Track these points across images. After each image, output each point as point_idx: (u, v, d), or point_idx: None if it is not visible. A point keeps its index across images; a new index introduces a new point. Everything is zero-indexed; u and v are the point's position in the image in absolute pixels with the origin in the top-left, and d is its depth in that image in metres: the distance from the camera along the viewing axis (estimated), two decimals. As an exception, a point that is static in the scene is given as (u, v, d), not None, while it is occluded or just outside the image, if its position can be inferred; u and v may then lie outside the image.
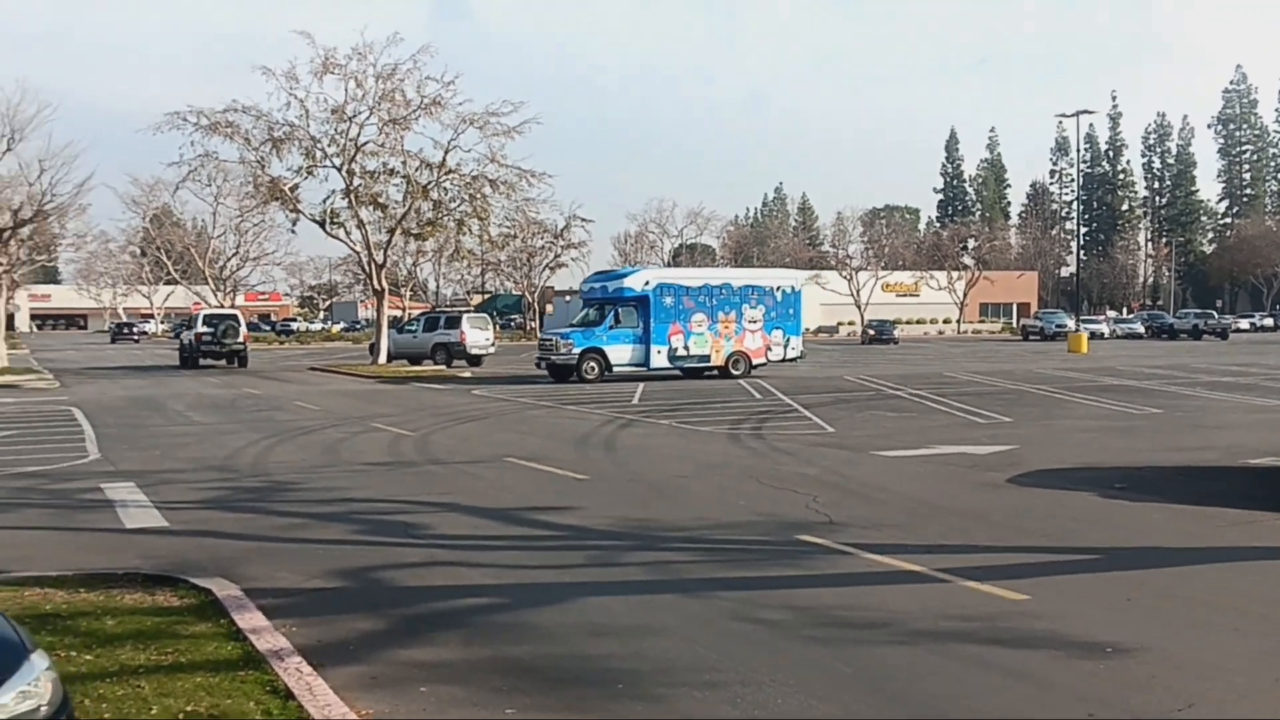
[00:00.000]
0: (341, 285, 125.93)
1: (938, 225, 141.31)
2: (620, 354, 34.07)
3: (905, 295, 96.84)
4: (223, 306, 79.57)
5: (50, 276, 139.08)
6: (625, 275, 36.57)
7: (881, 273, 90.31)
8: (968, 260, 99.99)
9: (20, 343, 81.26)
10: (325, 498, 13.01)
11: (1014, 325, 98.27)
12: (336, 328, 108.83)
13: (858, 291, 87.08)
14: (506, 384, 33.77)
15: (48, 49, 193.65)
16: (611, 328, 34.23)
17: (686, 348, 34.62)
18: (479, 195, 41.36)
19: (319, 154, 42.06)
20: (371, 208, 43.41)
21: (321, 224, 43.33)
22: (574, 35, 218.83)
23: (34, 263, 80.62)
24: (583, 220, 77.72)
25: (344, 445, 18.55)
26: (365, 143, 41.91)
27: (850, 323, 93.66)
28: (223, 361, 46.39)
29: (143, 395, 31.09)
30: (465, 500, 12.59)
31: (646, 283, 34.77)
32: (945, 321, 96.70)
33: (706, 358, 35.00)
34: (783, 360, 36.40)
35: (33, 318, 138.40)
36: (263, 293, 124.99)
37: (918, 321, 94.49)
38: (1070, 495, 12.63)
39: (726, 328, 35.03)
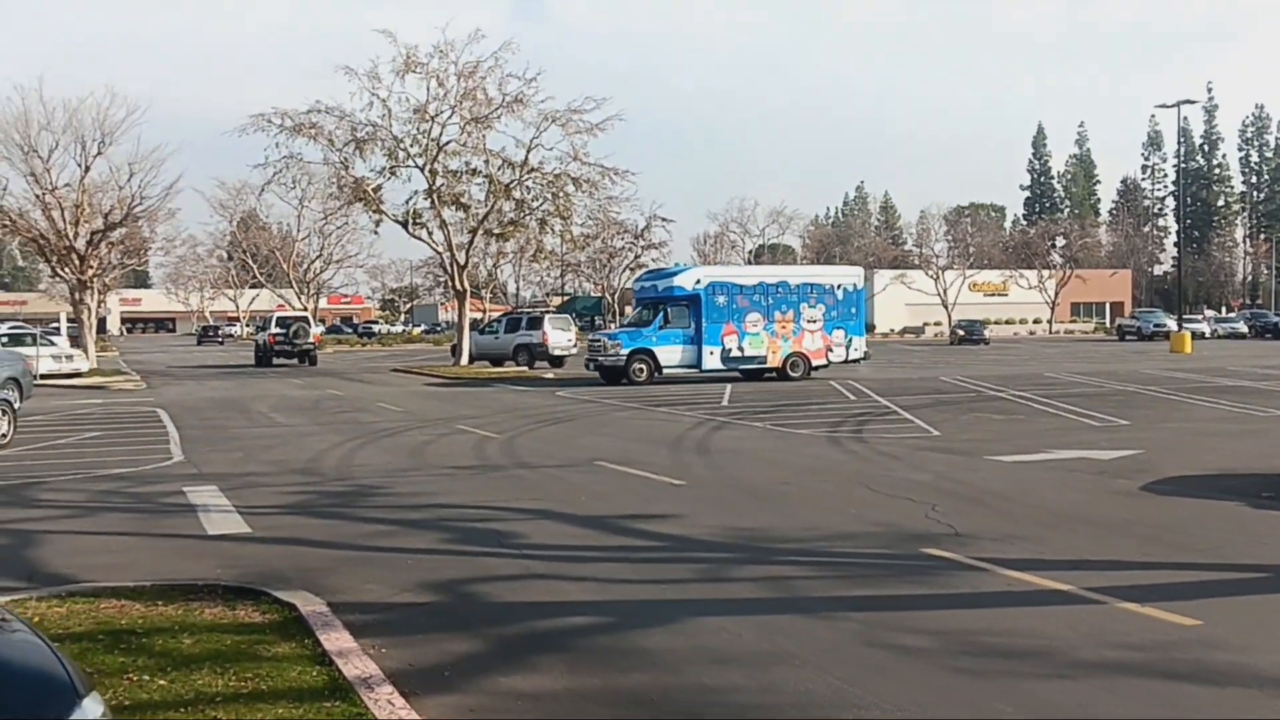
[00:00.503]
0: (422, 288, 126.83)
1: (1024, 223, 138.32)
2: (670, 355, 33.12)
3: (993, 295, 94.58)
4: (304, 309, 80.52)
5: (140, 281, 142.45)
6: (675, 274, 35.46)
7: (969, 272, 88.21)
8: (1057, 258, 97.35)
9: (110, 345, 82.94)
10: (412, 503, 12.44)
11: (1107, 325, 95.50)
12: (417, 330, 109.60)
13: (944, 291, 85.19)
14: (589, 385, 33.15)
15: (134, 55, 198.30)
16: (661, 328, 33.36)
17: (741, 348, 33.48)
18: (561, 193, 40.85)
19: (401, 154, 41.93)
20: (454, 208, 43.19)
21: (404, 225, 43.19)
22: (651, 35, 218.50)
23: (124, 267, 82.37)
24: (663, 220, 77.11)
25: (429, 448, 18.04)
26: (447, 142, 41.72)
27: (936, 323, 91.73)
28: (294, 360, 48.84)
29: (227, 397, 31.07)
30: (558, 507, 11.92)
31: (698, 281, 33.78)
32: (1035, 321, 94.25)
33: (762, 359, 33.80)
34: (845, 362, 35.07)
35: (123, 321, 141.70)
36: (345, 295, 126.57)
37: (1006, 322, 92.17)
38: (1215, 505, 11.57)
39: (784, 328, 33.89)
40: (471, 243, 44.83)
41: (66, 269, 42.69)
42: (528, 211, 42.26)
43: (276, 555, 9.82)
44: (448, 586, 8.64)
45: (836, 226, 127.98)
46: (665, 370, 33.04)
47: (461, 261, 43.58)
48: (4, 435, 18.54)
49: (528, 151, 40.88)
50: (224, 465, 16.19)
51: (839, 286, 34.92)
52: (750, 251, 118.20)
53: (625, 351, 32.88)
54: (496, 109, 40.11)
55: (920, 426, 20.02)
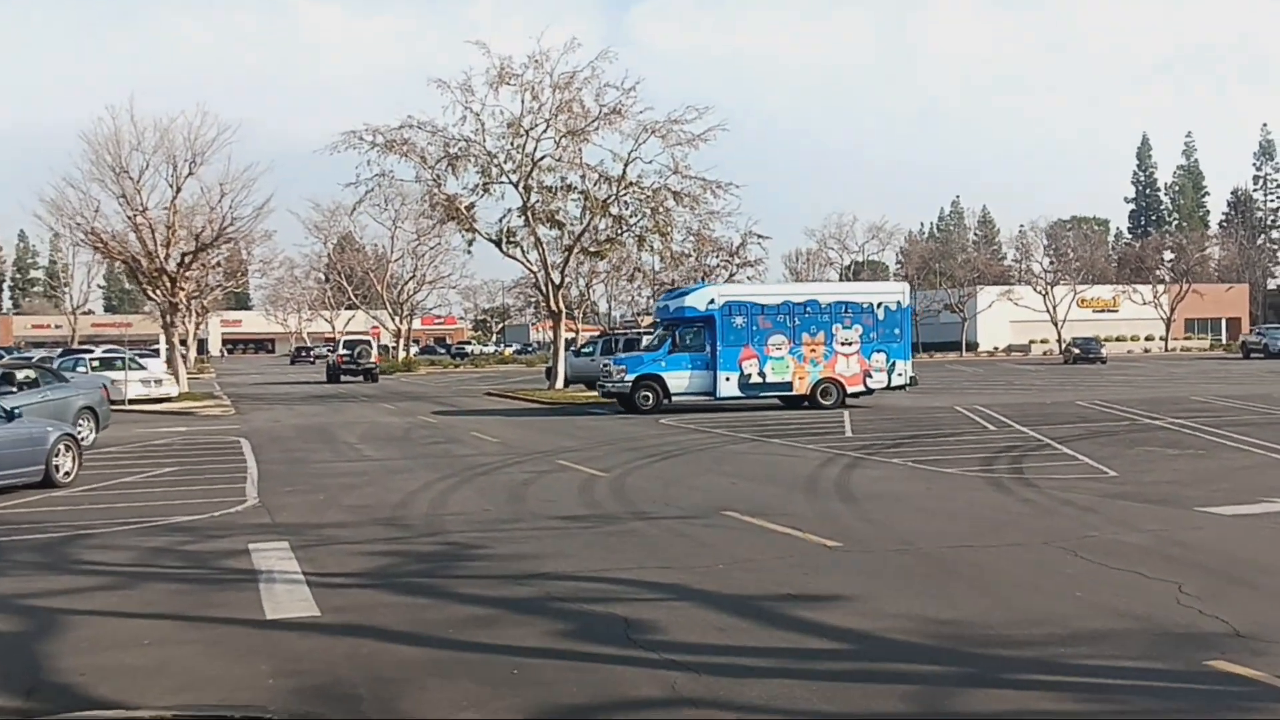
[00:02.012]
0: (514, 308, 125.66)
1: (1129, 236, 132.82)
2: (680, 381, 30.88)
3: (1103, 311, 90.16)
4: (397, 330, 79.50)
5: (241, 303, 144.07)
6: (688, 294, 32.99)
7: (1080, 287, 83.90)
8: (1164, 274, 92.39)
9: (209, 367, 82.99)
10: (514, 571, 10.13)
11: (1224, 342, 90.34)
12: (509, 350, 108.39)
13: (1054, 307, 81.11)
14: (693, 412, 30.75)
15: (224, 84, 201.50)
16: (671, 351, 31.18)
17: (762, 374, 30.77)
18: (661, 208, 38.56)
19: (495, 170, 40.09)
20: (548, 225, 41.22)
21: (498, 243, 41.34)
22: (741, 54, 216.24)
23: (224, 289, 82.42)
24: (759, 237, 74.22)
25: (531, 489, 15.79)
26: (542, 157, 39.74)
27: (1043, 340, 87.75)
28: (359, 377, 57.10)
29: (315, 424, 29.32)
30: (693, 580, 9.52)
31: (711, 301, 31.12)
32: (1147, 339, 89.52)
33: (788, 385, 31.01)
34: (886, 388, 31.70)
35: (224, 342, 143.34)
36: (438, 316, 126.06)
37: (1117, 339, 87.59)
38: None
39: (813, 351, 30.96)
40: (567, 261, 42.78)
41: (158, 291, 41.58)
42: (625, 228, 40.07)
43: (346, 653, 7.57)
44: (571, 717, 6.29)
45: (934, 241, 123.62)
46: (675, 397, 30.85)
47: (557, 281, 41.56)
48: (68, 474, 16.74)
49: (625, 165, 38.74)
50: (300, 512, 14.12)
51: (879, 305, 31.59)
52: (846, 267, 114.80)
53: (630, 378, 30.99)
54: (593, 121, 38.01)
55: (1088, 464, 17.22)
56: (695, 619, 8.30)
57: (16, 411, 16.01)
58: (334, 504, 14.86)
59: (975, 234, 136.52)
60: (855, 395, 31.48)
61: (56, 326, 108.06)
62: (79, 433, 21.59)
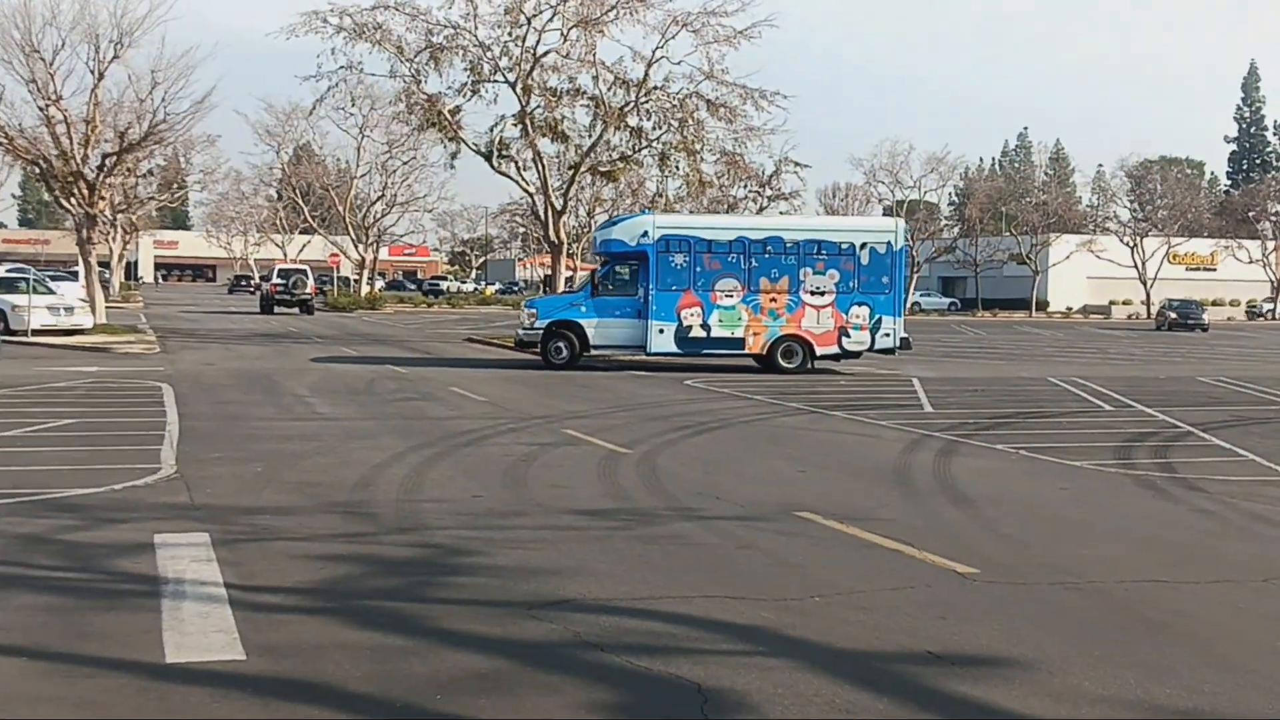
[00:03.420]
0: (497, 240, 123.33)
1: (1227, 183, 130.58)
2: (604, 331, 28.99)
3: (1198, 269, 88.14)
4: (361, 259, 77.45)
5: (179, 222, 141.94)
6: (617, 224, 30.87)
7: (1175, 240, 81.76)
8: (1270, 227, 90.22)
9: (136, 295, 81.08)
10: (524, 594, 8.27)
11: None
12: (491, 289, 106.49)
13: (1143, 263, 79.09)
14: (722, 371, 28.92)
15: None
16: (594, 294, 29.33)
17: (705, 326, 28.56)
18: (690, 120, 36.40)
19: (487, 67, 37.89)
20: (551, 137, 39.11)
21: (488, 157, 39.25)
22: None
23: (157, 202, 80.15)
24: (796, 165, 71.97)
25: (533, 469, 13.95)
26: (545, 53, 37.54)
27: (1125, 301, 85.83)
28: (294, 309, 61.58)
29: (257, 369, 27.48)
30: (780, 619, 7.68)
31: (644, 234, 28.81)
32: (1250, 303, 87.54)
33: (738, 341, 28.86)
34: (869, 350, 29.31)
35: (157, 267, 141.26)
36: (410, 246, 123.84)
37: (1214, 303, 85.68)
38: None
39: (773, 300, 28.61)
40: (573, 181, 40.76)
41: (73, 200, 39.53)
42: (644, 143, 37.93)
43: (279, 733, 5.74)
44: None
45: (1003, 177, 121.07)
46: (596, 349, 29.24)
47: (559, 206, 39.53)
48: (-70, 424, 14.90)
49: (648, 66, 36.49)
50: (230, 489, 12.28)
51: (863, 246, 28.80)
52: (895, 203, 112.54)
53: (541, 324, 29.24)
54: (611, 7, 35.76)
55: (1255, 462, 15.39)
56: (801, 690, 6.43)
57: None
58: (274, 479, 13.02)
59: (1046, 173, 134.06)
60: (826, 357, 29.33)
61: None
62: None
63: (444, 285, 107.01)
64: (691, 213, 44.86)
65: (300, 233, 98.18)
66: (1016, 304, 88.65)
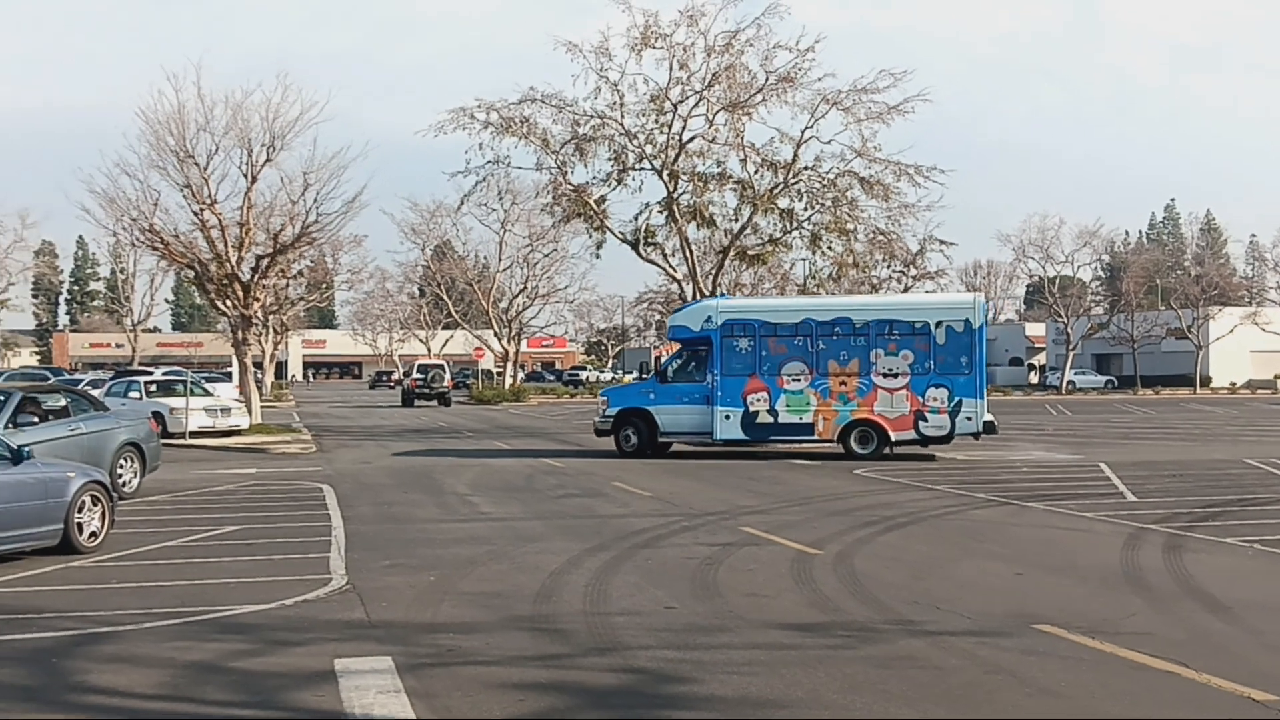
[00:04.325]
0: (633, 329, 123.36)
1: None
2: (672, 418, 28.62)
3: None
4: (504, 352, 77.73)
5: (326, 321, 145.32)
6: (684, 311, 30.16)
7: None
8: None
9: (287, 393, 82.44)
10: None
11: None
12: (628, 377, 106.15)
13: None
14: (896, 460, 27.51)
15: (312, 70, 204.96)
16: (663, 381, 29.25)
17: (773, 411, 27.71)
18: (844, 199, 35.40)
19: (632, 155, 37.49)
20: (698, 223, 38.44)
21: (634, 245, 38.74)
22: (908, 29, 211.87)
23: (306, 302, 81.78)
24: (942, 243, 70.35)
25: (722, 574, 12.84)
26: (691, 138, 37.03)
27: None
28: (433, 401, 67.25)
29: (413, 466, 26.96)
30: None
31: (708, 319, 28.41)
32: None
33: (807, 427, 27.76)
34: (948, 435, 27.30)
35: (305, 365, 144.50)
36: (548, 338, 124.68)
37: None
38: None
39: (843, 384, 27.47)
40: (721, 266, 39.96)
41: (228, 302, 39.97)
42: (794, 225, 37.01)
43: None
44: None
45: (1157, 248, 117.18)
46: (665, 436, 28.77)
47: (707, 291, 38.71)
48: (94, 536, 14.40)
49: (798, 146, 35.71)
50: (406, 602, 11.42)
51: (939, 325, 27.24)
52: (1033, 281, 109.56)
53: (612, 413, 29.16)
54: (759, 90, 35.12)
55: None
56: None
57: (26, 451, 13.71)
58: (450, 589, 12.15)
59: (1198, 244, 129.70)
60: (902, 443, 27.63)
61: (117, 345, 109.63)
62: (120, 478, 19.64)
63: (583, 375, 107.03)
64: (823, 293, 43.63)
65: (443, 327, 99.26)
66: (1176, 380, 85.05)
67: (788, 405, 27.76)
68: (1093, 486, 21.59)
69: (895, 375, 27.29)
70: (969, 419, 27.10)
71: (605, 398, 30.39)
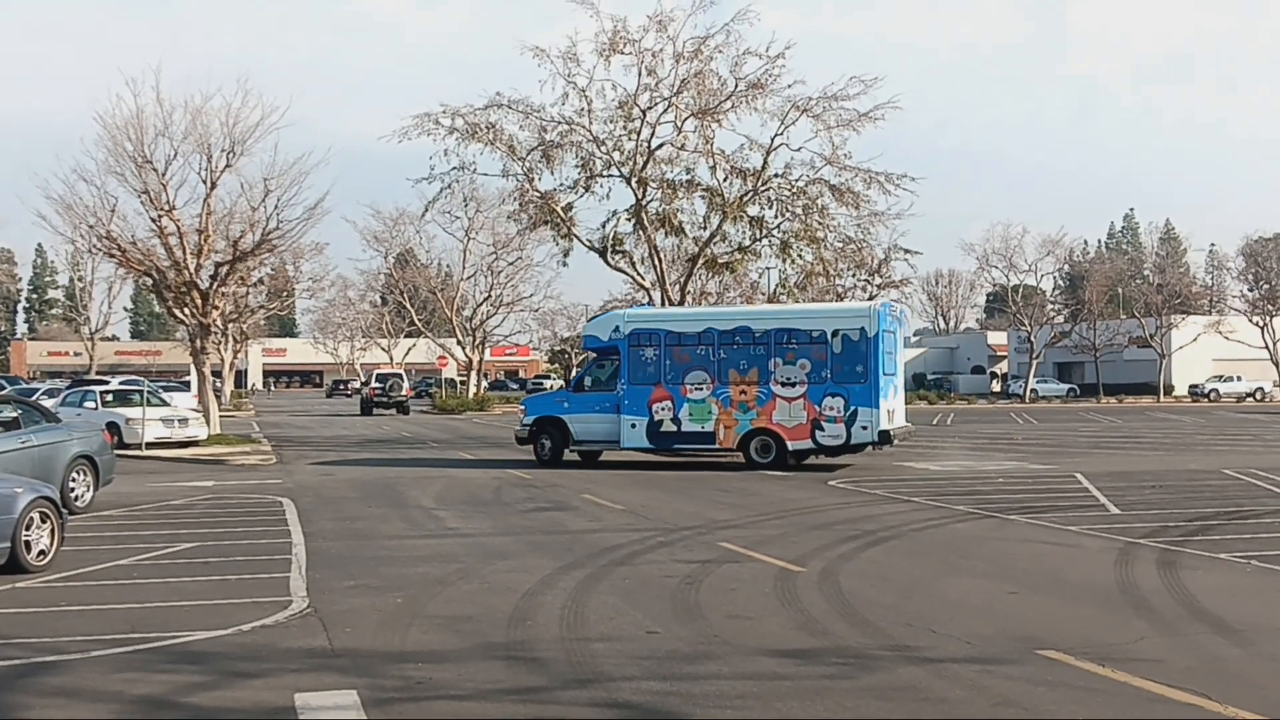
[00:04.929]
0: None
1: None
2: (584, 426, 28.86)
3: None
4: (468, 361, 76.88)
5: (286, 329, 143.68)
6: (594, 321, 30.84)
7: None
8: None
9: (246, 403, 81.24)
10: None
11: None
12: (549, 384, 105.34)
13: (1275, 343, 75.64)
14: (861, 470, 27.00)
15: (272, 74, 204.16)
16: (576, 390, 29.93)
17: (676, 420, 27.78)
18: (814, 207, 34.93)
19: (600, 162, 36.88)
20: (666, 231, 37.88)
21: (602, 253, 38.15)
22: (877, 38, 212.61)
23: (267, 310, 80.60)
24: (906, 252, 70.12)
25: (703, 595, 12.24)
26: (660, 145, 36.47)
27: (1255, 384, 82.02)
28: (391, 410, 67.32)
29: (375, 479, 26.22)
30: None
31: (616, 329, 28.86)
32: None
33: (709, 435, 27.72)
34: (844, 445, 27.00)
35: (266, 374, 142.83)
36: (511, 346, 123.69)
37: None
38: None
39: (743, 393, 27.35)
40: (690, 274, 39.40)
41: (187, 310, 39.03)
42: (764, 233, 36.51)
43: None
44: None
45: (1119, 257, 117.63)
46: (577, 445, 29.04)
47: (675, 300, 38.14)
48: (43, 554, 13.64)
49: (768, 153, 35.21)
50: (371, 627, 10.75)
51: (835, 334, 26.99)
52: (995, 289, 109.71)
53: (529, 421, 29.54)
54: (728, 96, 34.61)
55: None
56: None
57: (-31, 466, 12.95)
58: (418, 613, 11.49)
59: (1157, 253, 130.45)
60: (800, 453, 27.35)
61: (75, 354, 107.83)
62: (72, 491, 18.87)
63: (547, 384, 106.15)
64: (790, 302, 43.29)
65: (406, 336, 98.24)
66: (1139, 389, 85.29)
67: (691, 414, 27.79)
68: (1072, 498, 21.13)
69: (793, 384, 27.13)
70: (864, 428, 26.69)
71: (524, 406, 30.73)
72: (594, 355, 30.48)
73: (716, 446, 27.94)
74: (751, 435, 27.42)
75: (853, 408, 26.64)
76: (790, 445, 27.14)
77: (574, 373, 58.60)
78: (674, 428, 27.91)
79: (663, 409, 27.90)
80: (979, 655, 9.50)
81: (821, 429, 26.93)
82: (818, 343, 27.12)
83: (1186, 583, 12.66)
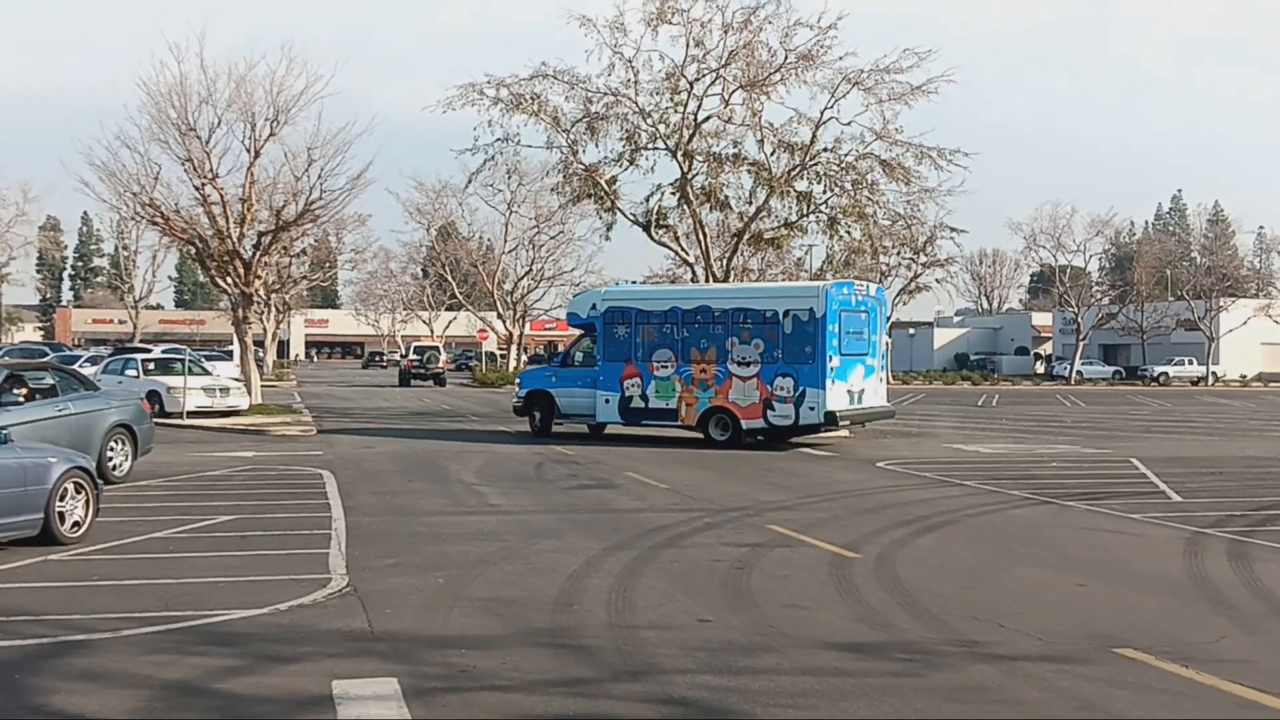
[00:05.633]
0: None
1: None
2: (569, 400, 30.00)
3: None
4: (508, 335, 76.62)
5: (329, 300, 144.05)
6: (576, 299, 31.53)
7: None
8: None
9: (289, 373, 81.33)
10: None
11: None
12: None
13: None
14: (914, 455, 26.36)
15: (317, 50, 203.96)
16: (563, 365, 31.16)
17: (644, 396, 28.40)
18: (864, 183, 34.15)
19: (645, 135, 36.21)
20: (711, 205, 37.20)
21: (646, 227, 37.47)
22: (903, 16, 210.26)
23: (309, 281, 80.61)
24: (953, 230, 69.15)
25: (755, 581, 11.73)
26: (706, 118, 35.74)
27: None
28: (429, 381, 69.52)
29: (416, 452, 25.85)
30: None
31: (593, 307, 29.73)
32: None
33: (672, 412, 28.20)
34: (792, 425, 26.89)
35: (308, 345, 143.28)
36: (551, 320, 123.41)
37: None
38: None
39: (703, 371, 27.72)
40: (735, 250, 38.70)
41: (229, 279, 38.80)
42: (811, 208, 35.76)
43: None
44: None
45: (1168, 238, 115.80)
46: (564, 418, 30.15)
47: (720, 276, 37.50)
48: (77, 526, 13.30)
49: (817, 126, 34.40)
50: (412, 609, 10.32)
51: (786, 314, 26.89)
52: (1041, 269, 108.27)
53: (523, 394, 31.09)
54: (777, 68, 33.83)
55: None
56: None
57: (4, 434, 12.60)
58: (460, 594, 11.05)
59: (1205, 235, 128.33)
60: (753, 432, 27.36)
61: (120, 322, 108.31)
62: (110, 461, 18.58)
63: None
64: (831, 279, 42.64)
65: (447, 309, 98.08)
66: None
67: (657, 391, 28.34)
68: (1131, 484, 20.48)
69: (748, 364, 27.30)
70: (812, 409, 26.50)
71: (519, 380, 32.39)
72: (580, 332, 31.06)
73: (679, 423, 28.39)
74: (710, 413, 27.79)
75: (801, 388, 26.60)
76: (744, 424, 27.36)
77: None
78: (642, 404, 28.54)
79: (633, 385, 28.58)
80: (1053, 653, 8.94)
81: (773, 409, 27.04)
82: (770, 323, 27.19)
83: (1261, 576, 12.05)
